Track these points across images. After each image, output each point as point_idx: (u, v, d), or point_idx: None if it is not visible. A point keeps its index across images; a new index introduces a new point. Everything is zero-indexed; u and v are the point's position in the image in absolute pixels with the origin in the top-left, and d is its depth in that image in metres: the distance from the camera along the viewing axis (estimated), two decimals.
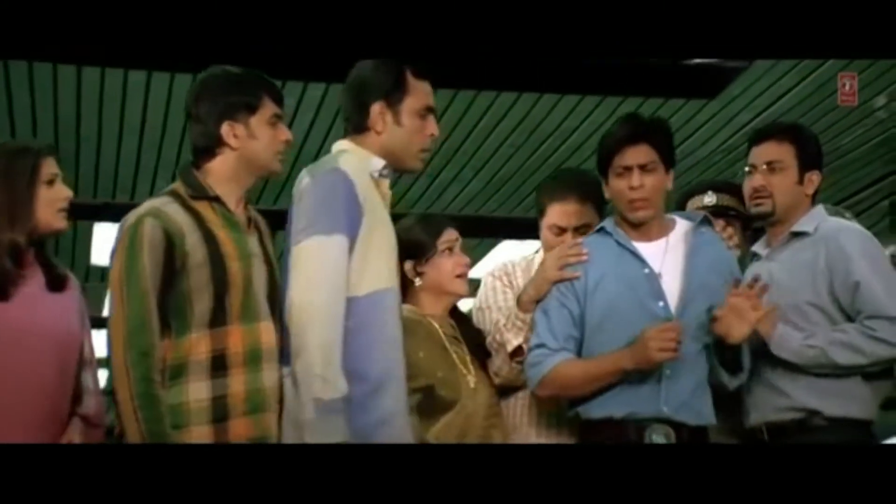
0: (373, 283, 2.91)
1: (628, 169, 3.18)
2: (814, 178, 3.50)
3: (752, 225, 3.75)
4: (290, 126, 6.14)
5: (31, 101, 6.14)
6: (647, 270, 3.20)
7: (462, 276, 3.36)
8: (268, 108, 2.95)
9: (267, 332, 2.87)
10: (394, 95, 3.03)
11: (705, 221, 3.32)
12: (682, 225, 3.29)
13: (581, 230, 3.39)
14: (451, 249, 3.37)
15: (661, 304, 3.16)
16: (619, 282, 3.19)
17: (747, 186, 3.50)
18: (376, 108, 3.02)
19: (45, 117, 6.32)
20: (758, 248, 3.55)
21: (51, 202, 3.12)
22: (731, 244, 3.48)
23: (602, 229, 3.28)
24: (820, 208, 3.52)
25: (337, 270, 2.85)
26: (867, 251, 3.38)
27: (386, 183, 3.06)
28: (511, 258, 3.61)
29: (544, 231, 3.46)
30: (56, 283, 3.15)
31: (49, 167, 3.14)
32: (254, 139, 2.94)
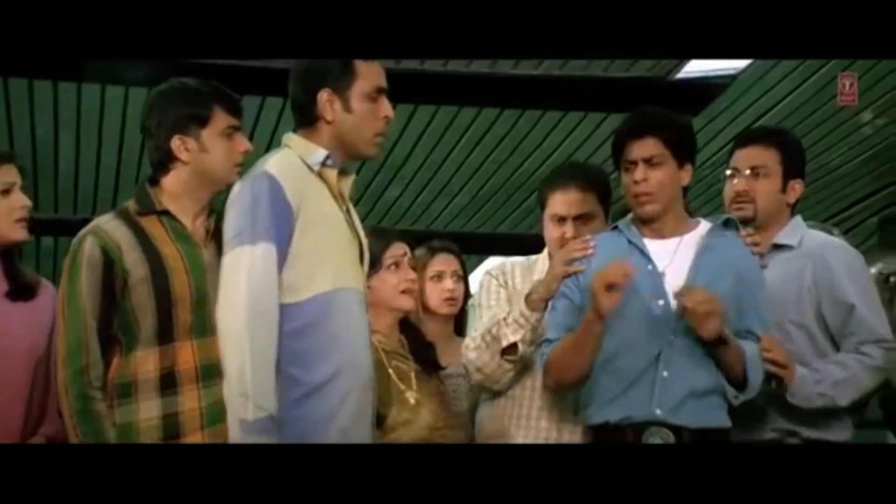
0: (315, 286, 2.79)
1: (633, 163, 3.07)
2: (797, 186, 3.41)
3: None
4: (270, 141, 6.29)
5: (6, 116, 6.08)
6: (650, 268, 3.07)
7: (407, 291, 3.27)
8: (221, 120, 2.85)
9: None
10: (341, 81, 2.87)
11: (730, 223, 3.18)
12: (704, 226, 3.16)
13: (582, 219, 3.27)
14: (397, 265, 3.27)
15: (660, 302, 3.02)
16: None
17: (728, 190, 3.40)
18: (323, 96, 2.87)
19: (22, 133, 6.26)
20: None
21: (7, 212, 3.04)
22: (756, 251, 3.29)
23: (616, 227, 3.18)
24: (799, 219, 3.43)
25: (263, 281, 2.73)
26: (855, 270, 3.29)
27: (333, 173, 2.90)
28: (512, 259, 3.47)
29: (546, 224, 3.33)
30: (20, 293, 3.08)
31: (4, 175, 3.05)
32: (206, 153, 2.85)
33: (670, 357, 3.01)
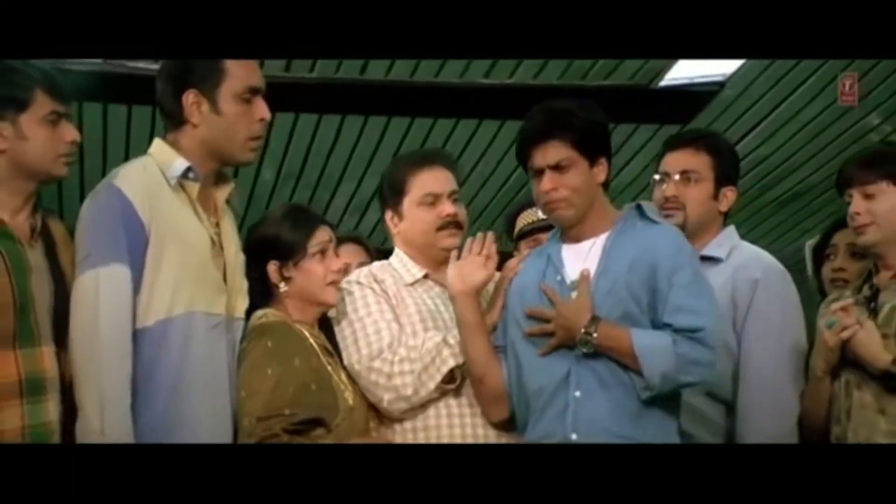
0: (159, 312, 2.62)
1: (540, 171, 2.84)
2: (729, 194, 3.20)
3: None
4: (284, 156, 6.11)
5: None
6: (559, 278, 2.87)
7: (334, 284, 2.98)
8: (43, 105, 2.62)
9: (51, 357, 2.56)
10: (208, 80, 2.69)
11: (642, 211, 2.93)
12: (621, 220, 2.93)
13: (453, 196, 3.07)
14: (323, 252, 2.96)
15: None
16: (535, 291, 2.89)
17: (657, 195, 3.20)
18: (189, 98, 2.70)
19: None
20: None
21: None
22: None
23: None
24: (732, 230, 3.22)
25: (117, 305, 2.57)
26: (778, 295, 3.06)
27: (195, 186, 2.72)
28: (372, 266, 3.18)
29: (415, 210, 3.07)
30: None
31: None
32: (24, 140, 2.61)
33: (581, 375, 2.79)
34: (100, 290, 2.56)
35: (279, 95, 5.36)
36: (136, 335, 2.60)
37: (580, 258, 2.85)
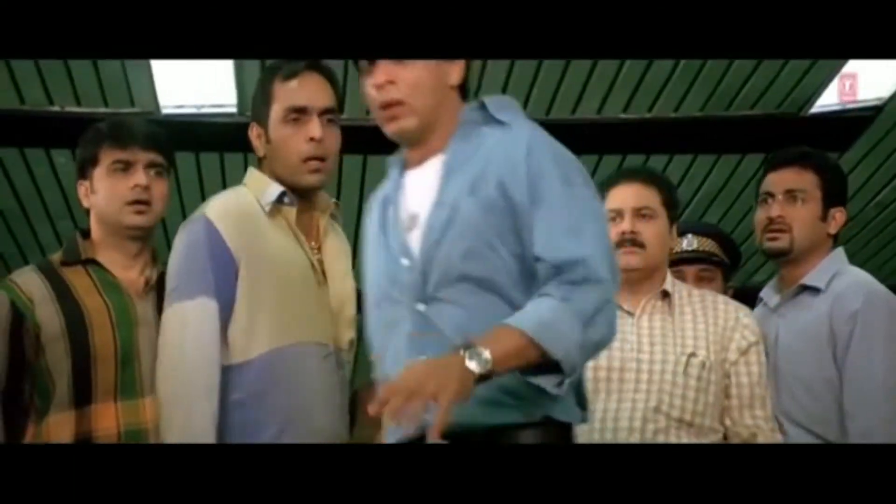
0: (262, 344, 2.52)
1: (371, 74, 2.19)
2: (838, 215, 2.99)
3: (733, 275, 3.25)
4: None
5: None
6: (392, 217, 2.21)
7: None
8: (107, 156, 2.64)
9: (154, 407, 2.54)
10: (262, 110, 2.63)
11: (482, 110, 2.19)
12: (461, 126, 2.20)
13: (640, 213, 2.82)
14: None
15: (404, 261, 2.15)
16: (373, 248, 2.28)
17: (760, 216, 2.99)
18: (253, 133, 2.65)
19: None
20: (766, 294, 3.03)
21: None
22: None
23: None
24: (839, 254, 2.99)
25: (202, 340, 2.49)
26: (881, 327, 2.82)
27: (292, 211, 2.60)
28: None
29: None
30: None
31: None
32: (95, 194, 2.65)
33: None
34: (185, 324, 2.51)
35: None
36: (235, 369, 2.53)
37: (424, 185, 2.16)
